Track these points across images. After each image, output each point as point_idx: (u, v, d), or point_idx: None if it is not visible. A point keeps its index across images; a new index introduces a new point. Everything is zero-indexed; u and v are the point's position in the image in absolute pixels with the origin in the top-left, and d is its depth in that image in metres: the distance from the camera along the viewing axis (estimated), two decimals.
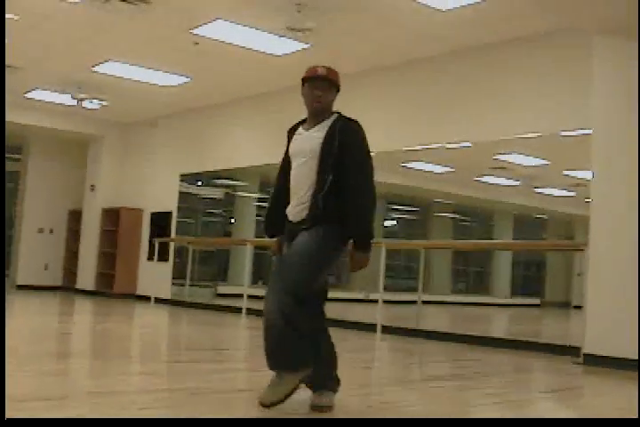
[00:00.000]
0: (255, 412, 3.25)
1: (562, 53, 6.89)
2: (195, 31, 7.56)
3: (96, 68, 9.25)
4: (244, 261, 10.13)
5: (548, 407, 4.08)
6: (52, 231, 13.51)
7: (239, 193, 12.18)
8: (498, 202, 10.73)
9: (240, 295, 9.63)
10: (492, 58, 7.50)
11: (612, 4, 5.28)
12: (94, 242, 12.69)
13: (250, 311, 9.27)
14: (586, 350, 5.70)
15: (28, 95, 10.88)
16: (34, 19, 7.47)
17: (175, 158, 11.81)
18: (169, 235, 11.54)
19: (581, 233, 6.54)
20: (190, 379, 4.20)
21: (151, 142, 12.34)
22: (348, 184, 3.33)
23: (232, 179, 11.90)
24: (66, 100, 10.68)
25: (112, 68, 9.23)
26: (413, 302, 8.21)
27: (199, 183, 12.00)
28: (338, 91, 3.53)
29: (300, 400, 3.36)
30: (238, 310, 9.57)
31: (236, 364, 5.38)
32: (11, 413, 2.85)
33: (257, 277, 10.79)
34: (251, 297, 9.39)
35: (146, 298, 11.52)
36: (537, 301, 13.11)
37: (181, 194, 11.67)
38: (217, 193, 12.33)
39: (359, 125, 3.44)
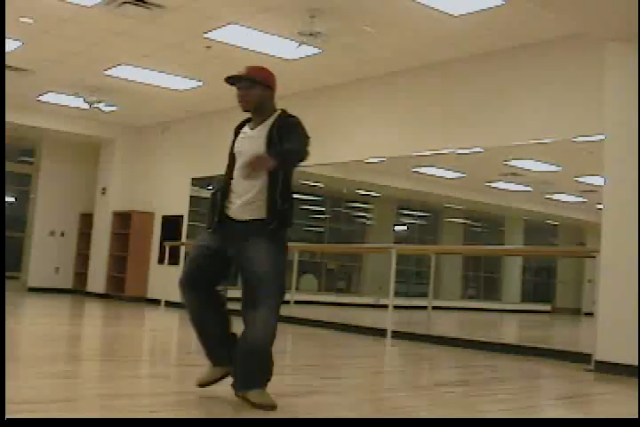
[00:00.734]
0: (261, 413, 3.26)
1: (574, 59, 6.87)
2: (207, 35, 7.60)
3: (109, 72, 9.30)
4: None
5: (559, 414, 4.05)
6: (63, 234, 13.56)
7: None
8: (509, 208, 10.70)
9: None
10: (504, 63, 7.48)
11: (626, 11, 5.26)
12: (105, 245, 12.73)
13: None
14: (597, 357, 5.67)
15: (42, 98, 10.94)
16: (48, 23, 7.53)
17: (186, 162, 11.84)
18: (180, 238, 11.57)
19: (592, 239, 6.51)
20: None
21: (163, 146, 12.39)
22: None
23: None
24: (79, 103, 10.74)
25: (125, 72, 9.28)
26: (424, 308, 8.18)
27: (210, 187, 12.02)
28: (268, 87, 3.49)
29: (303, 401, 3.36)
30: None
31: None
32: (21, 414, 2.86)
33: None
34: None
35: (156, 301, 11.54)
36: (547, 307, 13.02)
37: (192, 198, 11.70)
38: None
39: (298, 120, 3.44)
